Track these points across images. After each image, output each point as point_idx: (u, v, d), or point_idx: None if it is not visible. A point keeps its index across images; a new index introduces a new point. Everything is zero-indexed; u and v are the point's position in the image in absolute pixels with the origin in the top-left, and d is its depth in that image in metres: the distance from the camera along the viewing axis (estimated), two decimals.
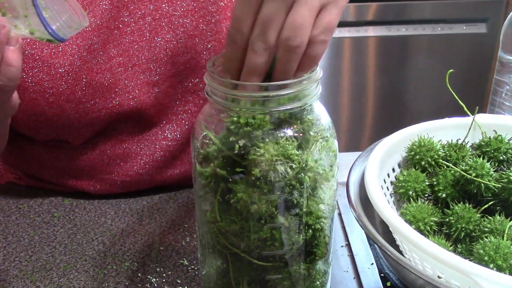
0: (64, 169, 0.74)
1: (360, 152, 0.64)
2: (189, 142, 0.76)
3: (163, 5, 0.68)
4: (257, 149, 0.42)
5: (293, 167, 0.42)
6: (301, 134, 0.44)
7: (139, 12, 0.67)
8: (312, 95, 0.44)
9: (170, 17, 0.68)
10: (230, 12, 0.71)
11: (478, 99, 1.77)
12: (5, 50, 0.43)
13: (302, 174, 0.43)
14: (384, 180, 0.60)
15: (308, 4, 0.40)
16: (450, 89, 0.64)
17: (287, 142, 0.42)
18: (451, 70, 0.64)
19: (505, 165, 0.60)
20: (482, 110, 0.70)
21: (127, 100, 0.68)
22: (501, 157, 0.60)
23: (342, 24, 1.66)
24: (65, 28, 0.43)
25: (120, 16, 0.66)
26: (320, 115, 0.46)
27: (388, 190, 0.61)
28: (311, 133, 0.44)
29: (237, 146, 0.43)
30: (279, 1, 0.40)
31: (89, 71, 0.65)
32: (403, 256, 0.51)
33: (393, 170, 0.62)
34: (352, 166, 0.62)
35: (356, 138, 1.87)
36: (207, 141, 0.45)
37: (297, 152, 0.42)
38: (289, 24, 0.40)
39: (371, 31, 1.68)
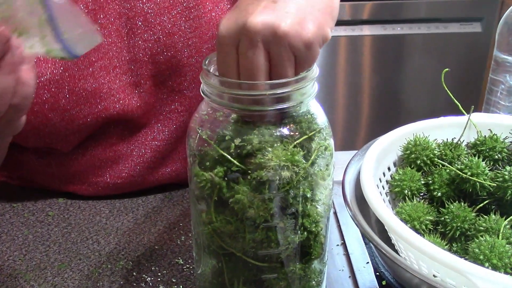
0: (55, 175, 0.73)
1: (356, 151, 0.64)
2: (179, 141, 0.76)
3: (138, 4, 0.66)
4: (265, 153, 0.42)
5: (298, 172, 0.42)
6: (297, 134, 0.43)
7: (114, 13, 0.66)
8: (309, 93, 0.44)
9: (146, 15, 0.67)
10: (210, 5, 0.70)
11: (474, 98, 1.77)
12: (20, 70, 0.43)
13: (302, 178, 0.43)
14: (380, 179, 0.60)
15: (286, 61, 0.42)
16: (446, 88, 0.64)
17: (295, 149, 0.42)
18: (447, 69, 0.65)
19: (500, 164, 0.61)
20: (478, 109, 0.70)
21: (113, 103, 0.67)
22: (496, 156, 0.60)
23: (337, 23, 1.65)
24: (82, 45, 0.43)
25: (97, 18, 0.65)
26: (317, 114, 0.46)
27: (383, 189, 0.61)
28: (312, 135, 0.44)
29: (232, 145, 0.43)
30: (254, 52, 0.42)
31: (71, 78, 0.64)
32: (399, 255, 0.51)
33: (389, 169, 0.62)
34: (348, 165, 0.61)
35: (352, 137, 1.87)
36: (205, 146, 0.44)
37: (302, 160, 0.42)
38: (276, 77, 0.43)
39: (367, 30, 1.68)
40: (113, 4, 0.66)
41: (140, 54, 0.68)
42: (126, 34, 0.67)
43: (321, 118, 0.46)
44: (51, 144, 0.68)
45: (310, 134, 0.44)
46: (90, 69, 0.65)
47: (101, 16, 0.65)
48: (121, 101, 0.68)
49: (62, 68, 0.63)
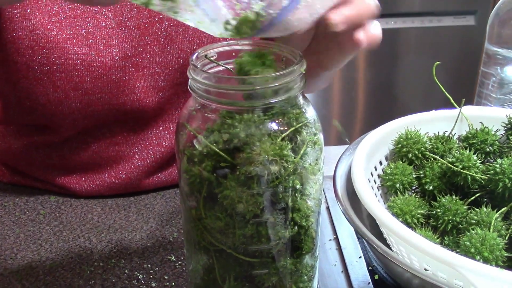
0: (54, 166, 0.73)
1: (348, 145, 0.64)
2: None
3: None
4: (254, 147, 0.41)
5: (287, 167, 0.42)
6: (285, 128, 0.43)
7: (157, 17, 0.67)
8: (297, 88, 0.44)
9: (188, 26, 0.67)
10: None
11: (468, 91, 1.77)
12: None
13: (292, 172, 0.43)
14: (371, 173, 0.60)
15: None
16: (437, 81, 0.64)
17: (283, 143, 0.42)
18: (438, 62, 0.64)
19: (491, 156, 0.60)
20: (471, 102, 0.70)
21: (132, 100, 0.68)
22: (488, 149, 0.60)
23: None
24: None
25: (138, 17, 0.66)
26: (306, 108, 0.46)
27: (375, 183, 0.60)
28: (304, 133, 0.44)
29: (221, 140, 0.42)
30: None
31: (103, 64, 0.65)
32: (390, 249, 0.51)
33: (380, 163, 0.62)
34: (339, 159, 0.61)
35: (347, 132, 1.87)
36: (193, 141, 0.44)
37: (291, 154, 0.42)
38: None
39: None
40: None
41: (173, 62, 0.69)
42: (164, 39, 0.68)
43: (310, 112, 0.45)
44: (56, 122, 0.68)
45: (297, 126, 0.43)
46: (123, 62, 0.66)
47: (144, 15, 0.66)
48: (140, 100, 0.68)
49: (94, 53, 0.63)
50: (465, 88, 1.77)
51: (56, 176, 0.74)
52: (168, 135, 0.74)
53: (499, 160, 0.56)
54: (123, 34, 0.66)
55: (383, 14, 1.82)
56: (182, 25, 0.67)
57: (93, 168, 0.73)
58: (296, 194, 0.45)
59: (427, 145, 0.61)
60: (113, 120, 0.70)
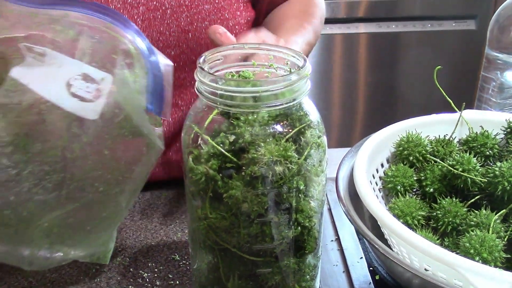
0: None
1: (350, 148, 0.65)
2: (175, 136, 0.76)
3: None
4: (258, 148, 0.42)
5: (291, 168, 0.43)
6: (290, 130, 0.44)
7: (133, 1, 0.67)
8: (302, 91, 0.45)
9: (166, 9, 0.68)
10: (228, 15, 0.71)
11: (468, 95, 1.78)
12: None
13: (295, 173, 0.44)
14: (373, 175, 0.61)
15: None
16: (438, 85, 0.65)
17: (287, 144, 0.43)
18: (439, 66, 0.65)
19: (491, 160, 0.61)
20: (471, 106, 0.71)
21: None
22: (487, 152, 0.61)
23: (333, 20, 1.66)
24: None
25: (108, 2, 0.65)
26: (309, 111, 0.47)
27: (376, 185, 0.61)
28: (308, 134, 0.45)
29: (227, 141, 0.43)
30: None
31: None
32: (391, 250, 0.51)
33: (382, 165, 0.63)
34: (342, 161, 0.62)
35: (347, 134, 1.88)
36: (200, 141, 0.45)
37: (295, 155, 0.43)
38: None
39: (362, 28, 1.69)
40: None
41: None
42: (142, 23, 0.67)
43: (313, 115, 0.47)
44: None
45: (300, 127, 0.44)
46: None
47: (118, 4, 0.66)
48: None
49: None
50: (465, 92, 1.78)
51: None
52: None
53: (498, 164, 0.57)
54: None
55: (384, 18, 1.84)
56: (159, 9, 0.67)
57: None
58: (300, 195, 0.46)
59: (428, 148, 0.62)
60: None
